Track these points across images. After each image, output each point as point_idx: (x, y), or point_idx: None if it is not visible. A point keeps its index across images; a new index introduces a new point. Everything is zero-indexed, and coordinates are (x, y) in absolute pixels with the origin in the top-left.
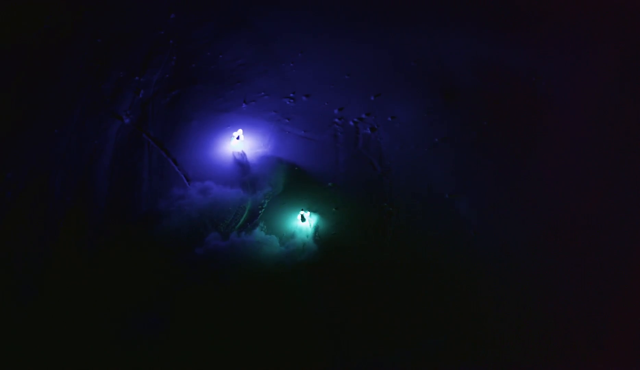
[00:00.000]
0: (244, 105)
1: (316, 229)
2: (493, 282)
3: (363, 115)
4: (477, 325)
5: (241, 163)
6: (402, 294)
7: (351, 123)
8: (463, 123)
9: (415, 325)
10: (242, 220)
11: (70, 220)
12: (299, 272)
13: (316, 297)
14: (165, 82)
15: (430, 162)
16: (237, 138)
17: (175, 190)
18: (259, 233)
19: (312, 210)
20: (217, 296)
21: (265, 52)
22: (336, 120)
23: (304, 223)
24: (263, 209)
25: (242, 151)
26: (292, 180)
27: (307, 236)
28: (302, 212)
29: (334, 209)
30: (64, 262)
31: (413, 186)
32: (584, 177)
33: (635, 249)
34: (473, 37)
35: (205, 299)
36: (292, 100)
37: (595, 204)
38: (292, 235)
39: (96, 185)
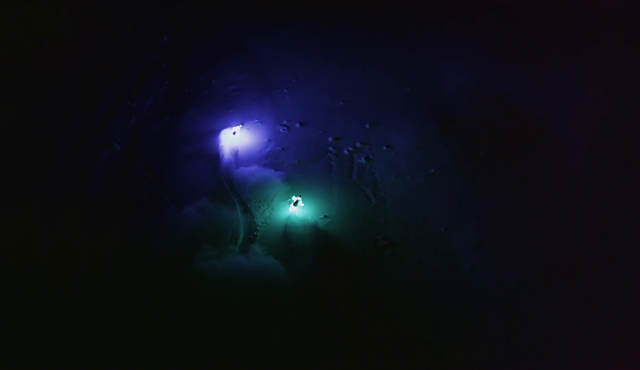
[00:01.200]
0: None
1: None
2: (489, 318)
3: (358, 144)
4: (473, 360)
5: (235, 180)
6: (397, 329)
7: (346, 152)
8: (459, 153)
9: (410, 359)
10: (239, 240)
11: (59, 249)
12: (293, 301)
13: (310, 327)
14: (157, 108)
15: (425, 193)
16: (234, 133)
17: (169, 210)
18: (256, 253)
19: (305, 244)
20: (213, 320)
21: (259, 78)
22: (330, 148)
23: (295, 207)
24: (258, 231)
25: (237, 147)
26: (285, 210)
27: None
28: (298, 198)
29: (327, 243)
30: (53, 291)
31: (408, 219)
32: (583, 210)
33: (636, 287)
34: (470, 64)
35: (201, 322)
36: (285, 128)
37: (595, 239)
38: (290, 252)
39: (86, 214)
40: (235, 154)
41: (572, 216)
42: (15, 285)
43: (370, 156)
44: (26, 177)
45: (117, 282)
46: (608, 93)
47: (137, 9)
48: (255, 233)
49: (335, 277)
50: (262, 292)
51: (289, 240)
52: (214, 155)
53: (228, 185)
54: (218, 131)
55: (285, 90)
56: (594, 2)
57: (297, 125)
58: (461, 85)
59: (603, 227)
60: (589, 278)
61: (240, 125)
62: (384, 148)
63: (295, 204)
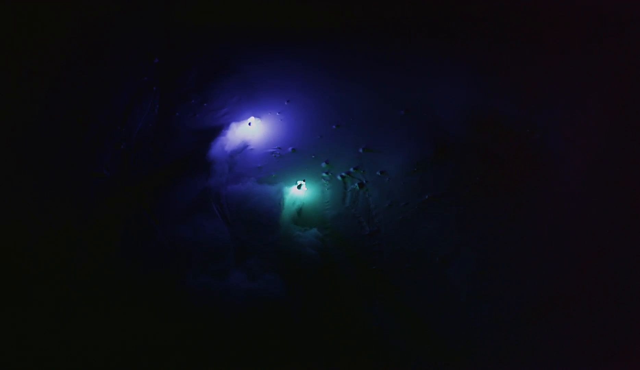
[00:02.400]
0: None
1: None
2: (485, 352)
3: (351, 169)
4: None
5: (227, 199)
6: (392, 362)
7: (339, 177)
8: (455, 178)
9: None
10: (233, 259)
11: (49, 276)
12: (287, 329)
13: (303, 358)
14: (147, 132)
15: (420, 221)
16: (249, 124)
17: (161, 234)
18: (250, 274)
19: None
20: (207, 341)
21: (250, 100)
22: (324, 174)
23: (299, 190)
24: (252, 249)
25: (250, 140)
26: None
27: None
28: (302, 182)
29: (320, 274)
30: (42, 318)
31: (403, 248)
32: (581, 239)
33: (635, 320)
34: (465, 85)
35: (195, 343)
36: (277, 154)
37: (593, 268)
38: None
39: (76, 241)
40: (229, 171)
41: (570, 244)
42: (4, 308)
43: (364, 182)
44: (14, 203)
45: (109, 307)
46: (606, 117)
47: (128, 30)
48: (248, 252)
49: (330, 308)
50: (256, 317)
51: (283, 261)
52: (207, 175)
53: (218, 209)
54: (209, 155)
55: (277, 114)
56: (591, 24)
57: (290, 149)
58: (456, 107)
59: (601, 255)
60: (587, 309)
61: (256, 118)
62: (378, 173)
63: (299, 187)
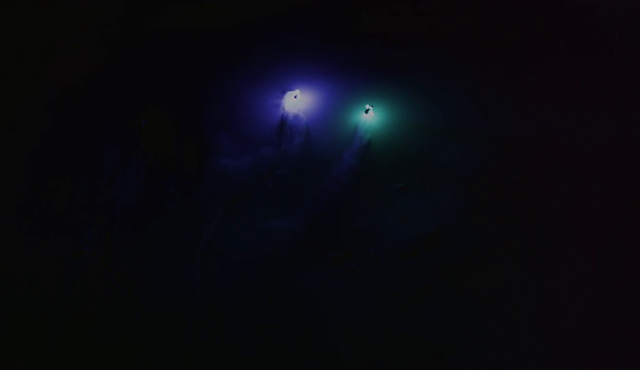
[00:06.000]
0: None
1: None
2: None
3: (345, 249)
4: None
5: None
6: None
7: (330, 258)
8: (453, 263)
9: None
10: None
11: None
12: None
13: None
14: (131, 204)
15: (416, 310)
16: (295, 97)
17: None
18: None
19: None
20: None
21: (242, 168)
22: (315, 252)
23: (366, 115)
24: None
25: (297, 112)
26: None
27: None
28: (370, 107)
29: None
30: None
31: (397, 341)
32: (588, 333)
33: None
34: (468, 155)
35: None
36: (265, 230)
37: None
38: None
39: (55, 325)
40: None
41: (574, 342)
42: None
43: (356, 265)
44: None
45: None
46: (614, 210)
47: (115, 90)
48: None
49: None
50: None
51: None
52: (189, 264)
53: (205, 276)
54: (197, 231)
55: (269, 184)
56: (598, 96)
57: (277, 224)
58: (458, 180)
59: (609, 356)
60: None
61: (299, 90)
62: (372, 254)
63: (367, 112)
